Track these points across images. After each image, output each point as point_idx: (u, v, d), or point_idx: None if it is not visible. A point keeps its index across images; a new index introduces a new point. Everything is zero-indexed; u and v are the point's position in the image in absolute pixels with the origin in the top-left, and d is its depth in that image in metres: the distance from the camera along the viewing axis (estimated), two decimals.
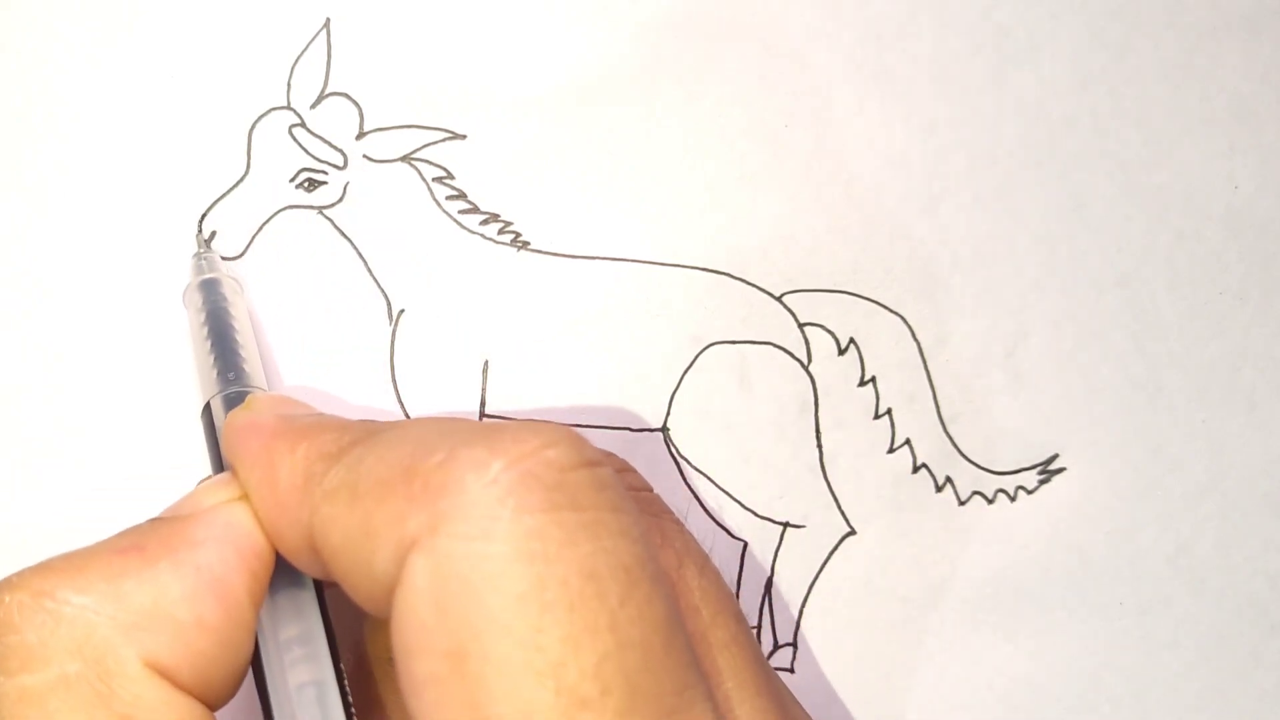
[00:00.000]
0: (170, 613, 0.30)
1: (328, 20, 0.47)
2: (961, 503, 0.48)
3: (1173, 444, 0.49)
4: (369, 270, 0.47)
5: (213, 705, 0.31)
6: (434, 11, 0.47)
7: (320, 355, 0.47)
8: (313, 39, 0.47)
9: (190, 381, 0.46)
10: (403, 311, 0.48)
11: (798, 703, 0.39)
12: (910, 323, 0.48)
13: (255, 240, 0.47)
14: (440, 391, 0.48)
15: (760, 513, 0.48)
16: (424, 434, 0.30)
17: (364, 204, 0.47)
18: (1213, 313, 0.49)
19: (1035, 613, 0.48)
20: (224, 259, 0.47)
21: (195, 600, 0.30)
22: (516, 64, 0.48)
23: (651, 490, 0.41)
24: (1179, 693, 0.49)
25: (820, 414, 0.48)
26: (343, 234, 0.47)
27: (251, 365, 0.41)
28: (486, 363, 0.48)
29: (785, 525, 0.48)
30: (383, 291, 0.47)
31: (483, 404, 0.48)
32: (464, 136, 0.47)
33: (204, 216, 0.47)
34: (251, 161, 0.47)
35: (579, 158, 0.48)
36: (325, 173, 0.47)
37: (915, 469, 0.48)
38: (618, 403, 0.48)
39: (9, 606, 0.29)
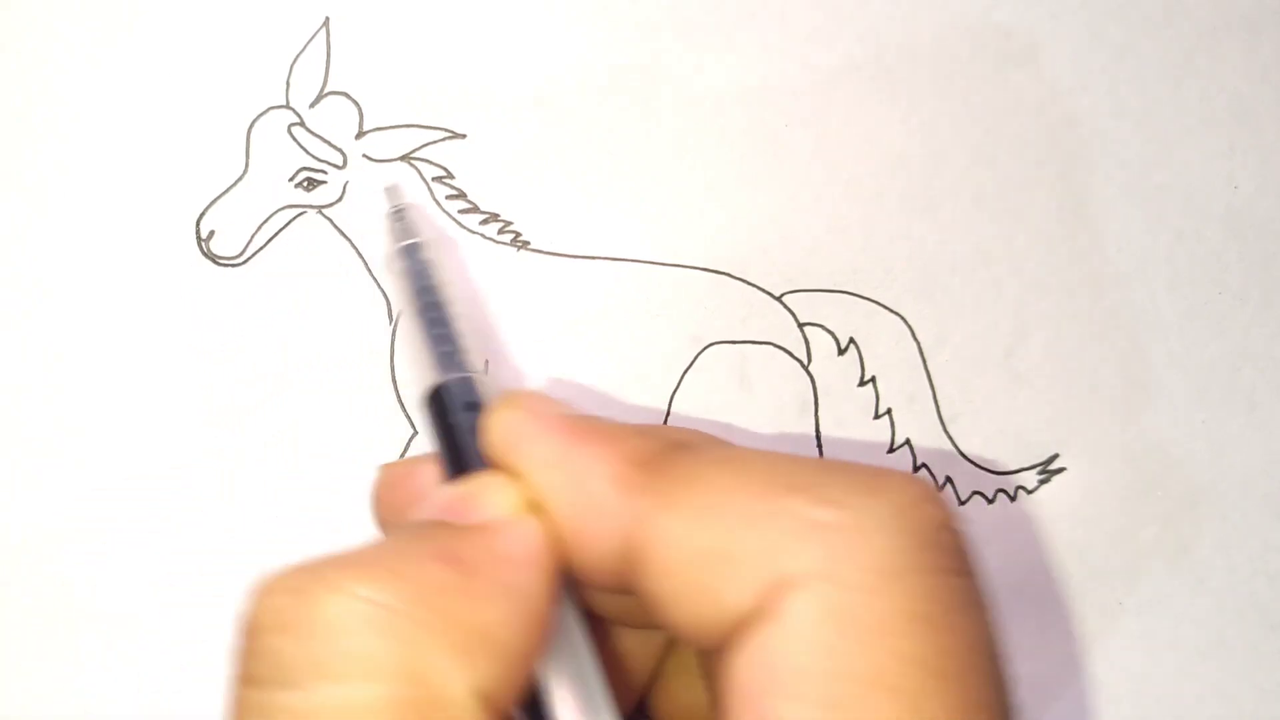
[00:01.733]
0: (497, 640, 0.27)
1: (327, 19, 0.47)
2: (962, 502, 0.48)
3: (1172, 444, 0.49)
4: (369, 270, 0.47)
5: None
6: (434, 11, 0.47)
7: (320, 355, 0.47)
8: (312, 38, 0.47)
9: (190, 381, 0.46)
10: (403, 311, 0.47)
11: None
12: (910, 323, 0.48)
13: (254, 239, 0.47)
14: None
15: None
16: (783, 465, 0.29)
17: (364, 203, 0.47)
18: (1212, 313, 0.49)
19: (1035, 613, 0.48)
20: (223, 259, 0.47)
21: (517, 629, 0.28)
22: (516, 64, 0.48)
23: None
24: (1179, 693, 0.49)
25: (820, 414, 0.48)
26: (342, 234, 0.47)
27: (470, 342, 0.39)
28: (486, 363, 0.48)
29: None
30: (383, 291, 0.47)
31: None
32: (464, 136, 0.47)
33: (202, 216, 0.47)
34: (250, 160, 0.47)
35: (579, 158, 0.48)
36: (325, 172, 0.47)
37: (915, 469, 0.48)
38: (618, 402, 0.48)
39: (338, 610, 0.26)
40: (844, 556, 0.26)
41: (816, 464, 0.29)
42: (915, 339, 0.48)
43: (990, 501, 0.48)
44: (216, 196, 0.47)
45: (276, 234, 0.47)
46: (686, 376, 0.48)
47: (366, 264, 0.47)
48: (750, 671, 0.27)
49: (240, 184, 0.47)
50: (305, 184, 0.47)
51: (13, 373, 0.46)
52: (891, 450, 0.48)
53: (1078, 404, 0.49)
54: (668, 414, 0.48)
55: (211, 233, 0.47)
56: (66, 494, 0.47)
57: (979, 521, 0.48)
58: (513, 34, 0.48)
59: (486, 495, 0.31)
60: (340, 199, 0.47)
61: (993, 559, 0.48)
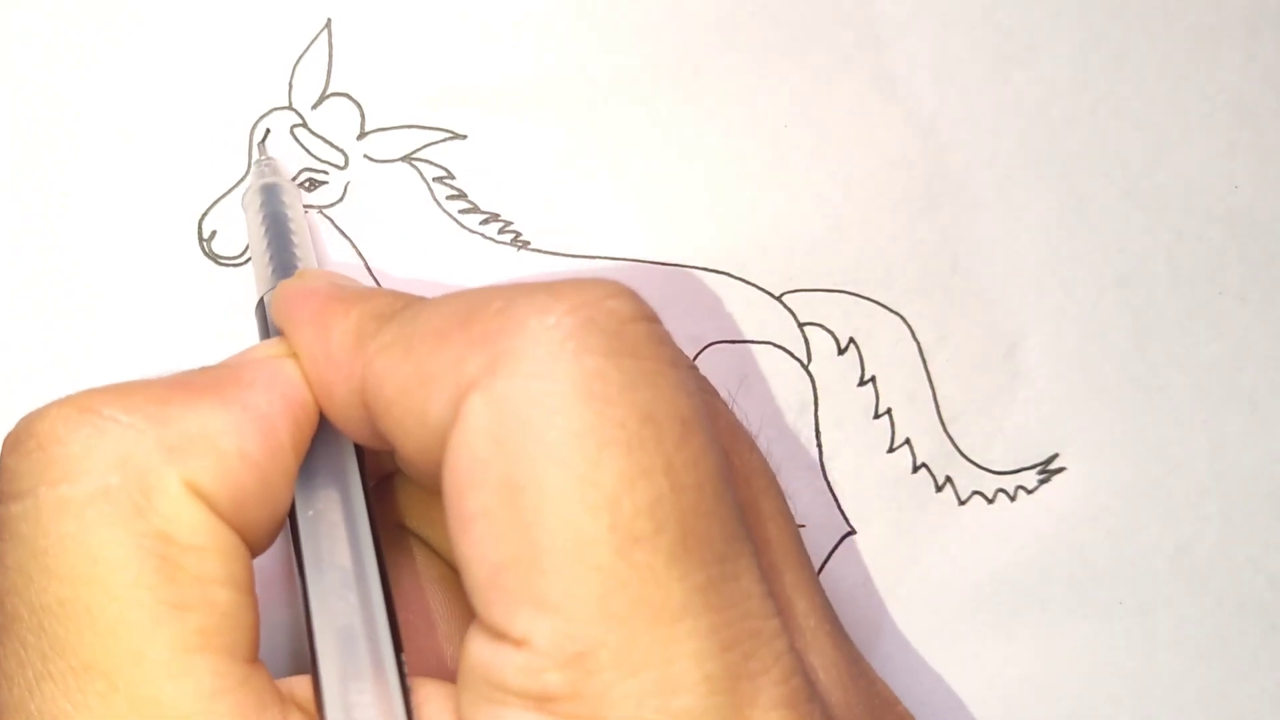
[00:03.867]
0: (214, 440, 0.30)
1: (329, 21, 0.47)
2: (961, 502, 0.48)
3: (1173, 444, 0.49)
4: (369, 270, 0.48)
5: (251, 548, 0.31)
6: (434, 11, 0.48)
7: None
8: (314, 39, 0.47)
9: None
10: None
11: None
12: (910, 322, 0.48)
13: None
14: None
15: None
16: (481, 290, 0.31)
17: (365, 204, 0.47)
18: (1213, 313, 0.49)
19: (1036, 613, 0.48)
20: (225, 260, 0.47)
21: (240, 433, 0.30)
22: (516, 63, 0.48)
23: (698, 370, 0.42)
24: (1180, 693, 0.49)
25: (820, 413, 0.48)
26: (343, 234, 0.47)
27: (308, 264, 0.42)
28: None
29: None
30: None
31: None
32: (464, 136, 0.48)
33: (204, 216, 0.47)
34: (252, 161, 0.47)
35: (579, 157, 0.48)
36: (326, 172, 0.47)
37: (915, 469, 0.48)
38: None
39: (55, 419, 0.29)
40: (513, 351, 0.28)
41: (519, 284, 0.31)
42: (915, 339, 0.48)
43: (990, 501, 0.48)
44: (219, 197, 0.47)
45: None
46: None
47: (367, 264, 0.47)
48: (447, 479, 0.28)
49: (242, 184, 0.47)
50: (307, 184, 0.47)
51: (13, 373, 0.46)
52: (891, 450, 0.48)
53: (1078, 404, 0.49)
54: None
55: (214, 233, 0.47)
56: None
57: (979, 521, 0.48)
58: (513, 34, 0.48)
59: (255, 350, 0.34)
60: (341, 199, 0.47)
61: (993, 559, 0.48)
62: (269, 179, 0.45)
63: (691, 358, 0.48)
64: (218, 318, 0.47)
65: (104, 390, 0.30)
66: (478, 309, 0.29)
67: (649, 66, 0.48)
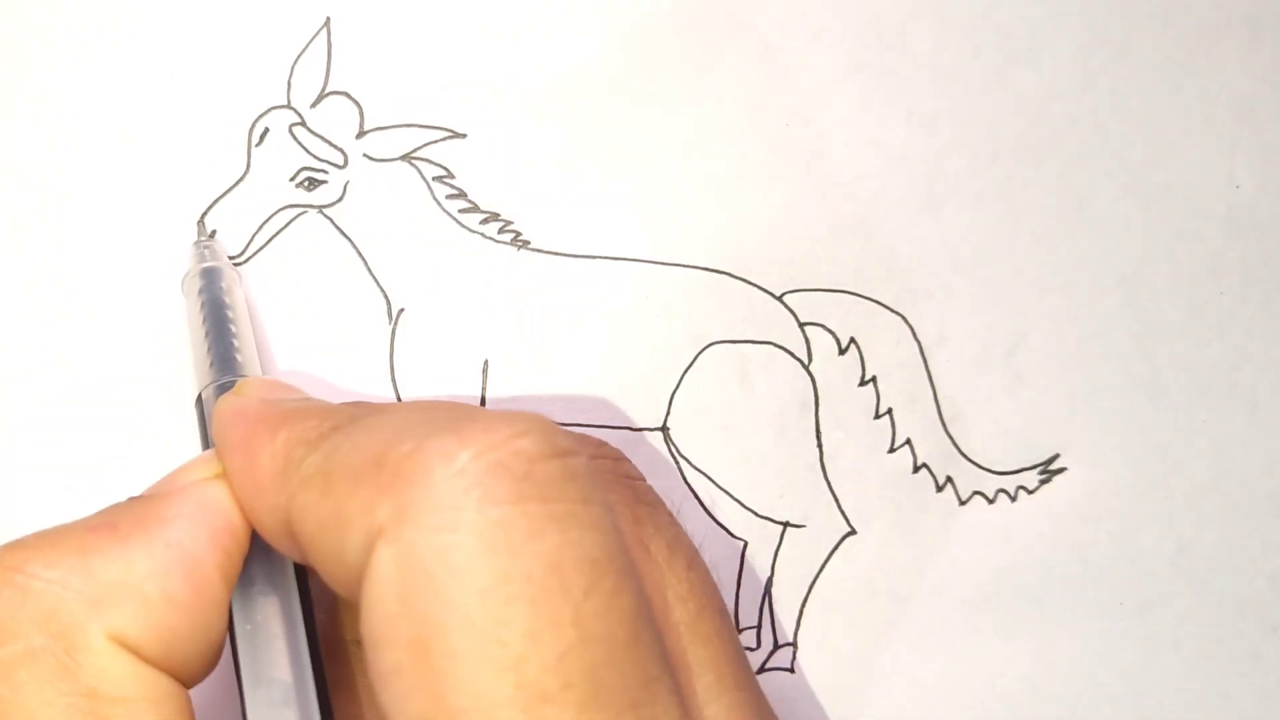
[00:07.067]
0: (137, 587, 0.30)
1: (328, 19, 0.47)
2: (962, 503, 0.48)
3: (1174, 444, 0.49)
4: (369, 269, 0.47)
5: (186, 682, 0.31)
6: (434, 11, 0.48)
7: (320, 355, 0.47)
8: (313, 38, 0.47)
9: (191, 380, 0.46)
10: (403, 311, 0.48)
11: (771, 709, 0.39)
12: (911, 322, 0.48)
13: (254, 239, 0.47)
14: (440, 392, 0.48)
15: (760, 512, 0.48)
16: (401, 421, 0.30)
17: (364, 203, 0.47)
18: (1214, 313, 0.49)
19: (1036, 613, 0.48)
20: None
21: (163, 576, 0.30)
22: (516, 63, 0.48)
23: (644, 480, 0.41)
24: (1180, 693, 0.49)
25: (821, 413, 0.48)
26: (343, 233, 0.47)
27: (246, 355, 0.41)
28: (486, 362, 0.48)
29: (785, 525, 0.48)
30: (383, 291, 0.47)
31: (483, 404, 0.48)
32: (464, 135, 0.48)
33: (204, 216, 0.47)
34: (251, 160, 0.47)
35: (579, 158, 0.48)
36: (325, 171, 0.47)
37: (916, 469, 0.48)
38: (618, 403, 0.48)
39: None
40: (418, 502, 0.27)
41: (431, 413, 0.30)
42: (916, 339, 0.48)
43: (991, 502, 0.48)
44: (218, 196, 0.47)
45: (277, 234, 0.47)
46: (686, 376, 0.48)
47: (367, 264, 0.47)
48: (363, 626, 0.28)
49: (241, 184, 0.47)
50: (306, 184, 0.47)
51: (12, 374, 0.46)
52: (892, 450, 0.48)
53: (1078, 404, 0.49)
54: (668, 413, 0.48)
55: (213, 232, 0.47)
56: (66, 495, 0.47)
57: (980, 521, 0.48)
58: (513, 34, 0.48)
59: (186, 470, 0.34)
60: (341, 199, 0.47)
61: (994, 559, 0.48)
62: (209, 263, 0.45)
63: (692, 358, 0.48)
64: None
65: (25, 545, 0.30)
66: (392, 447, 0.29)
67: (649, 66, 0.48)
